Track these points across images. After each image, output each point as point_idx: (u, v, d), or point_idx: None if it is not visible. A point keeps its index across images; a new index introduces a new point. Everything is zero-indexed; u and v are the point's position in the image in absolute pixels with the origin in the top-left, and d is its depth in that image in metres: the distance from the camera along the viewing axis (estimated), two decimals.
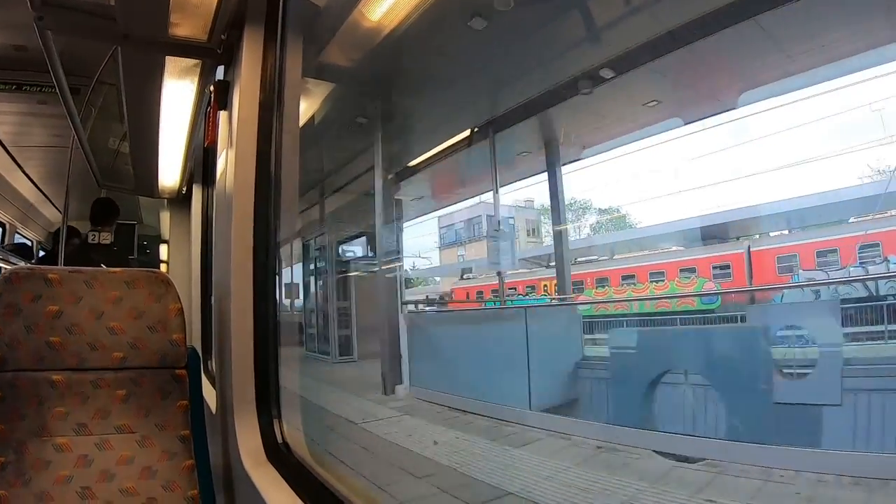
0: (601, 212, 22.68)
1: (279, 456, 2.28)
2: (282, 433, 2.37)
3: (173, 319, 2.25)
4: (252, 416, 2.38)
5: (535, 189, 19.10)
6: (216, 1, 2.51)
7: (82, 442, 2.07)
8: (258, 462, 2.26)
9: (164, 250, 7.87)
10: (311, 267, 15.99)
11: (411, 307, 13.53)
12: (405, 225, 16.92)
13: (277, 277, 2.59)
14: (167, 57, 3.17)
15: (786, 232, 12.60)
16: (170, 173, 5.37)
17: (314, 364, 13.34)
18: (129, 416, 2.15)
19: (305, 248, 15.07)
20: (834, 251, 10.95)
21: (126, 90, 3.65)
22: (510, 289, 17.32)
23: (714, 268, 13.38)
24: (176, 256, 6.53)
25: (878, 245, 10.11)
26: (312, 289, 16.62)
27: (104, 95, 5.15)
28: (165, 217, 7.35)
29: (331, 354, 13.95)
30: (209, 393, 3.23)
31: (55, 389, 2.07)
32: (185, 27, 2.77)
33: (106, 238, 5.32)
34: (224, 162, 2.76)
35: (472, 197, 17.70)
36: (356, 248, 16.69)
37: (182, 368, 2.28)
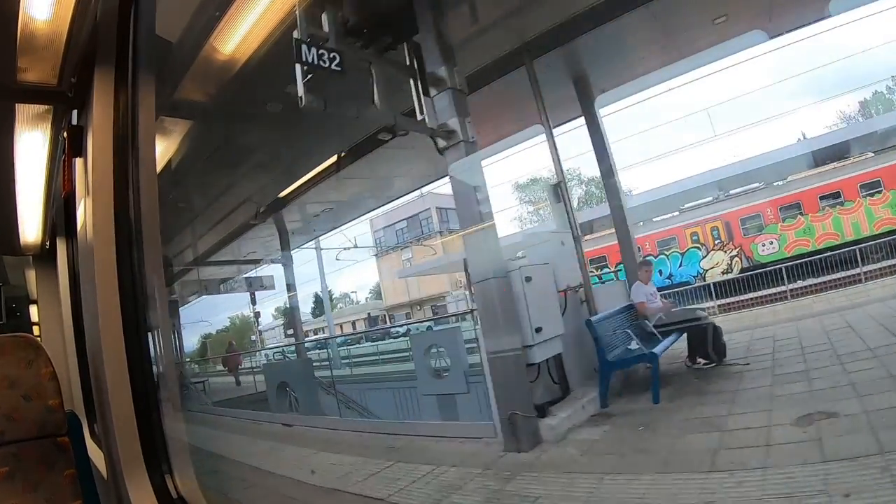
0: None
1: None
2: (176, 488, 2.35)
3: (47, 384, 2.20)
4: (143, 475, 2.35)
5: None
6: (65, 41, 2.49)
7: None
8: None
9: (34, 311, 7.52)
10: None
11: None
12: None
13: (149, 328, 2.56)
14: (17, 104, 3.10)
15: None
16: (31, 227, 5.17)
17: None
18: (16, 495, 2.08)
19: None
20: None
21: None
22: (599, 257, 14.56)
23: None
24: (48, 317, 6.23)
25: None
26: None
27: None
28: (32, 275, 7.03)
29: None
30: (98, 458, 3.14)
31: None
32: (34, 71, 2.73)
33: None
34: (83, 212, 2.70)
35: None
36: None
37: (64, 436, 2.23)
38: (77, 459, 2.26)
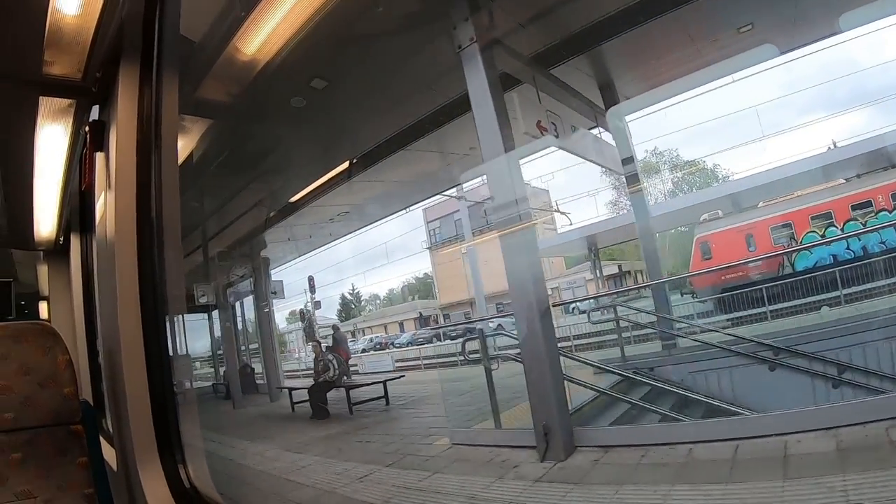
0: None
1: (188, 500, 2.32)
2: (188, 477, 2.42)
3: (63, 373, 2.26)
4: (156, 464, 2.42)
5: None
6: (91, 37, 2.58)
7: None
8: None
9: (43, 308, 7.61)
10: None
11: None
12: None
13: (168, 321, 2.63)
14: (41, 97, 3.18)
15: None
16: (46, 222, 5.27)
17: None
18: (28, 481, 2.14)
19: None
20: None
21: None
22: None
23: None
24: (58, 311, 6.32)
25: None
26: None
27: None
28: (43, 271, 7.13)
29: None
30: (107, 451, 3.20)
31: None
32: (59, 65, 2.83)
33: None
34: (103, 207, 2.80)
35: None
36: None
37: (78, 424, 2.28)
38: (90, 447, 2.32)
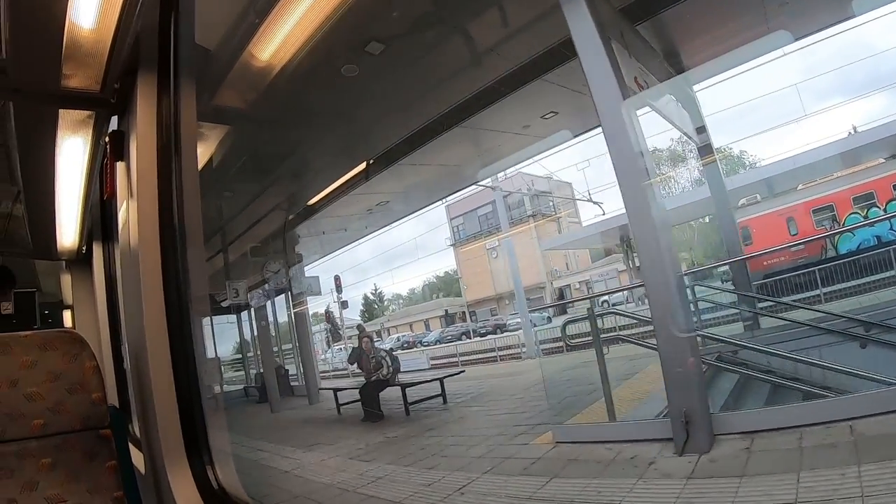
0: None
1: (217, 501, 2.36)
2: (216, 479, 2.46)
3: (91, 378, 2.28)
4: (184, 467, 2.46)
5: None
6: (108, 49, 2.62)
7: None
8: None
9: (67, 316, 7.68)
10: None
11: None
12: None
13: (194, 323, 2.68)
14: (60, 110, 3.23)
15: None
16: (68, 232, 5.34)
17: None
18: (59, 485, 2.16)
19: None
20: None
21: (20, 148, 3.67)
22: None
23: None
24: (82, 319, 6.41)
25: None
26: None
27: None
28: (66, 280, 7.20)
29: None
30: (134, 455, 3.25)
31: None
32: (77, 78, 2.87)
33: (7, 308, 5.21)
34: (125, 215, 2.85)
35: None
36: None
37: (106, 428, 2.31)
38: (118, 451, 2.35)
